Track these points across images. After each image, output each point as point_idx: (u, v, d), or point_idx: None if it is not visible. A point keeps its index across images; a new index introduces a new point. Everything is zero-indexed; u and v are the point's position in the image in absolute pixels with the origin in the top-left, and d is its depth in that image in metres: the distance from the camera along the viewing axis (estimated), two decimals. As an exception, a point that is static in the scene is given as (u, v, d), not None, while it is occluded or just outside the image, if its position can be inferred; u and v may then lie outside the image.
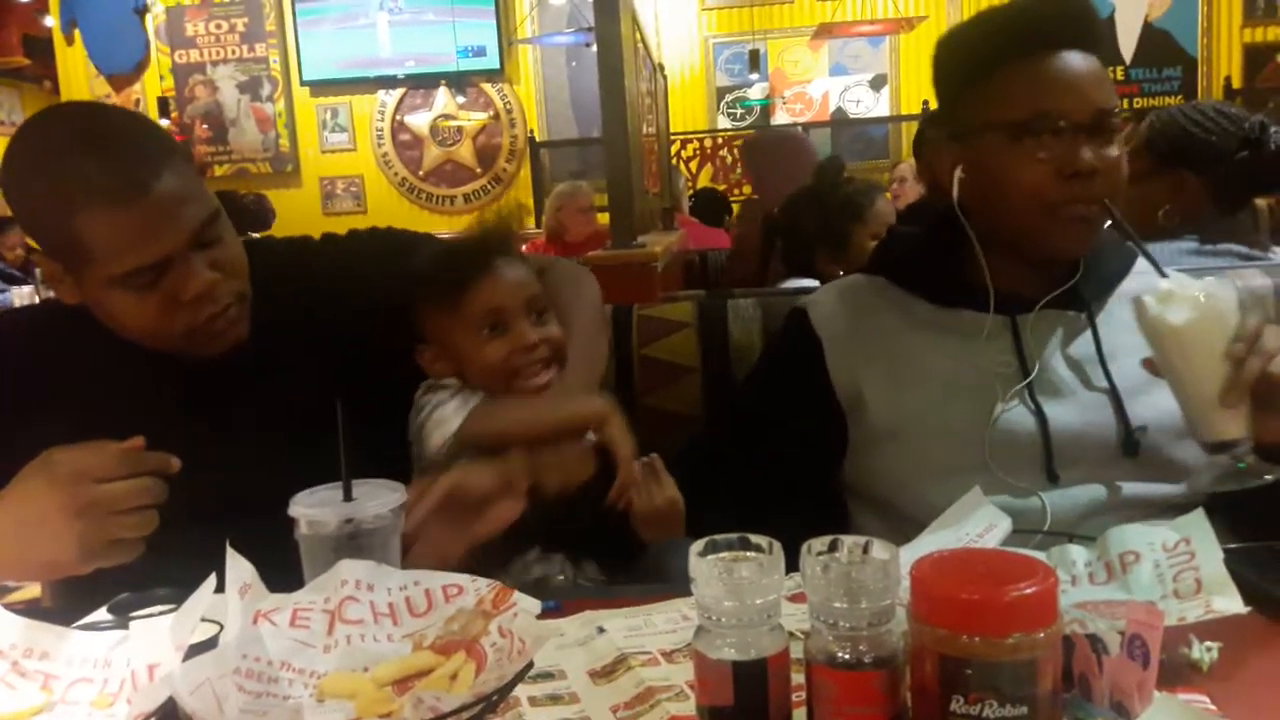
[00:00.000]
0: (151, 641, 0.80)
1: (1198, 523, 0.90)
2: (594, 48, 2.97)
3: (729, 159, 7.27)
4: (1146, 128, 1.96)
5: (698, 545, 0.67)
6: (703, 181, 7.07)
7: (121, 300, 1.13)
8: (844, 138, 7.75)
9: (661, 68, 6.16)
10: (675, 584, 0.95)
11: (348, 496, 0.90)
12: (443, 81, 7.93)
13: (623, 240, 2.80)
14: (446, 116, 8.04)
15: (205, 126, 8.05)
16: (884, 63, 7.78)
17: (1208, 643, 0.77)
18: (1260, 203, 2.03)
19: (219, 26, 7.98)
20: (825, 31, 7.07)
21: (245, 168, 8.05)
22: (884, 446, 1.25)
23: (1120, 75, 7.08)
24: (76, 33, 8.00)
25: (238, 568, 0.79)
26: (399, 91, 8.01)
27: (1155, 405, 1.18)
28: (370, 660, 0.81)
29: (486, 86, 7.97)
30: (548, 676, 0.82)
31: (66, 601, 1.19)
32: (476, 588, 0.85)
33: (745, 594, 0.64)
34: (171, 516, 0.99)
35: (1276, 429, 1.03)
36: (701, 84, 7.92)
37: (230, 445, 1.17)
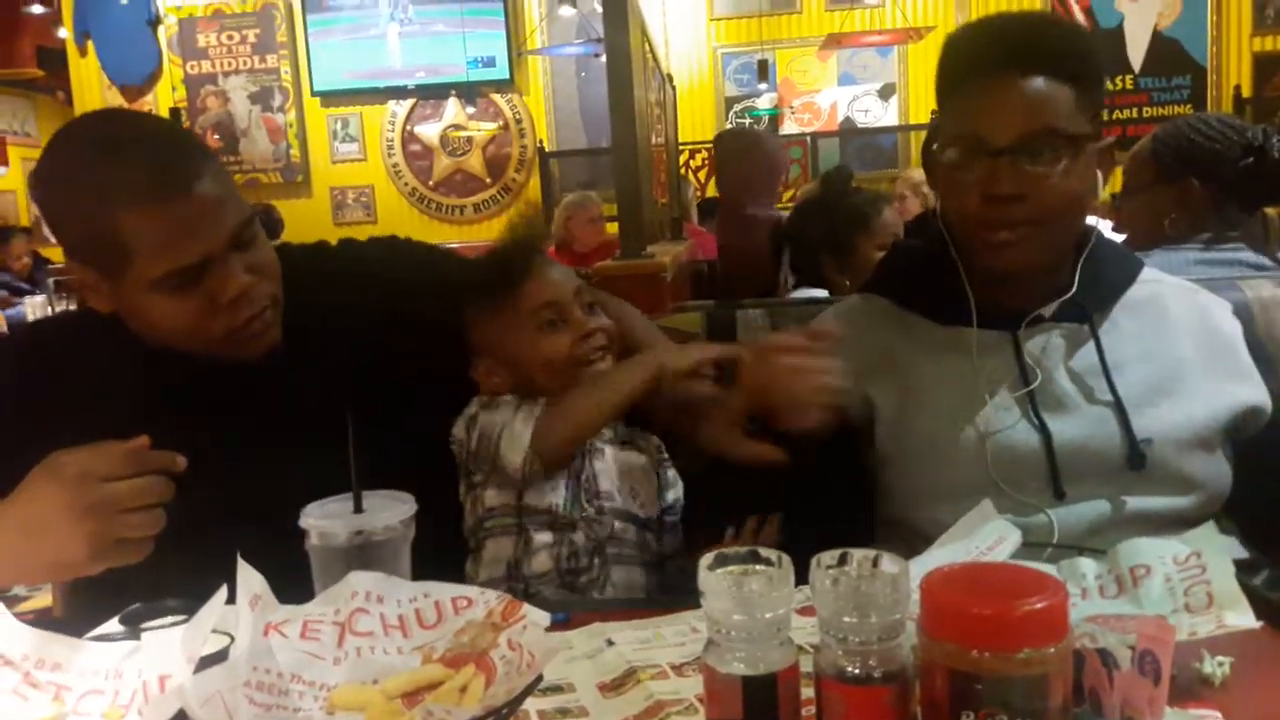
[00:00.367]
0: (163, 653, 0.80)
1: (1209, 536, 0.89)
2: (603, 58, 2.98)
3: (737, 169, 7.26)
4: (1151, 139, 1.98)
5: (707, 559, 0.67)
6: (711, 191, 7.06)
7: (160, 303, 1.13)
8: (853, 147, 7.75)
9: (670, 78, 6.17)
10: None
11: (358, 508, 0.90)
12: (453, 92, 7.96)
13: (632, 250, 2.81)
14: (456, 127, 8.07)
15: (216, 137, 8.09)
16: (892, 72, 7.78)
17: (1219, 657, 0.77)
18: (1270, 211, 2.03)
19: (230, 38, 8.03)
20: (834, 42, 7.08)
21: (256, 178, 8.09)
22: (892, 467, 1.25)
23: (1129, 84, 7.07)
24: (90, 44, 8.06)
25: (248, 579, 0.79)
26: (409, 102, 8.05)
27: (1161, 417, 1.18)
28: (380, 673, 0.81)
29: (496, 97, 8.00)
30: (557, 689, 0.82)
31: (78, 612, 1.19)
32: (486, 600, 0.85)
33: (755, 608, 0.64)
34: (192, 522, 1.00)
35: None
36: (710, 94, 7.93)
37: (255, 452, 1.17)
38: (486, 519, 1.24)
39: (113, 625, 0.93)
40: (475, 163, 8.09)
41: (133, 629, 0.89)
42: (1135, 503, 1.16)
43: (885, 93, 7.86)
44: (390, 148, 8.11)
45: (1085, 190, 1.17)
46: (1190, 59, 7.07)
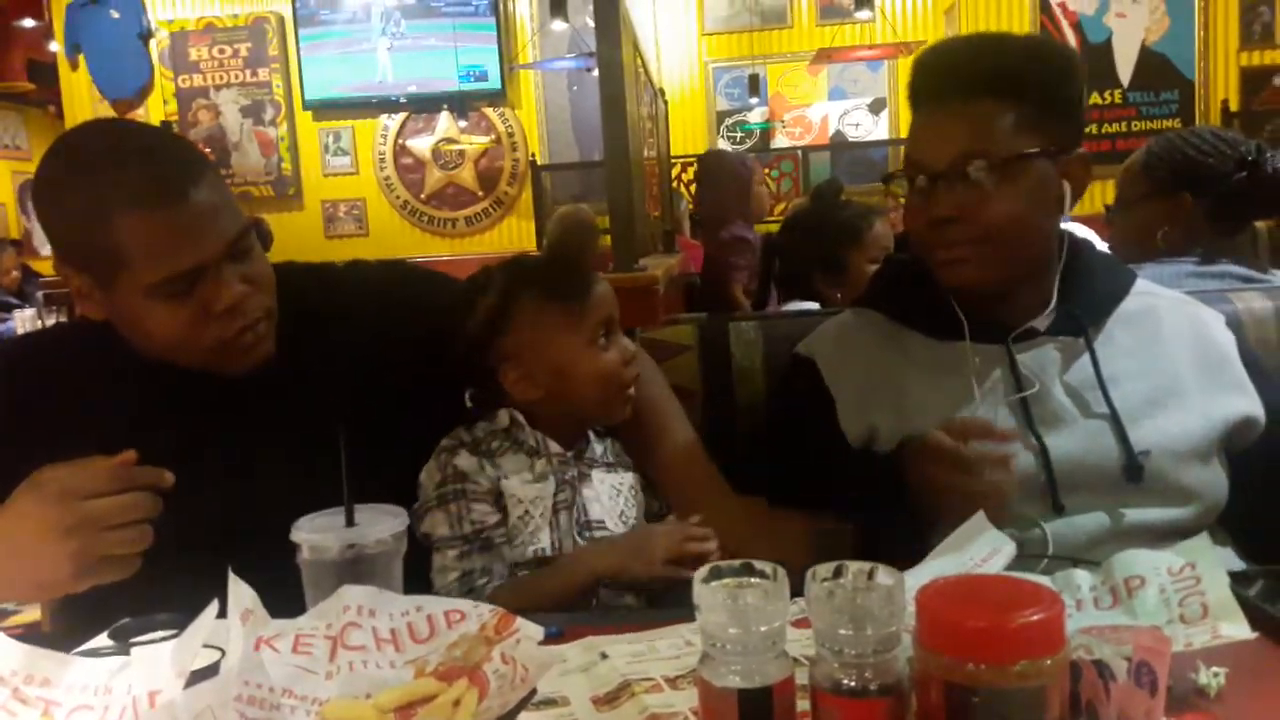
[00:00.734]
0: (153, 668, 0.79)
1: (1203, 547, 0.90)
2: (595, 72, 2.99)
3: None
4: (1144, 152, 1.98)
5: (702, 572, 0.66)
6: (701, 204, 7.10)
7: (153, 311, 1.13)
8: (843, 161, 7.78)
9: (662, 92, 6.20)
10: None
11: (350, 522, 0.90)
12: (445, 105, 7.97)
13: (624, 263, 2.82)
14: (448, 140, 8.07)
15: (208, 150, 8.08)
16: (883, 87, 7.82)
17: (1214, 668, 0.76)
18: (1260, 225, 2.04)
19: (222, 51, 8.03)
20: (824, 56, 7.12)
21: (248, 191, 8.08)
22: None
23: (1118, 98, 7.12)
24: (81, 58, 8.05)
25: (239, 593, 0.79)
26: (401, 115, 8.06)
27: (1157, 429, 1.18)
28: (372, 687, 0.80)
29: (488, 110, 8.01)
30: (550, 703, 0.82)
31: (67, 627, 1.18)
32: (479, 613, 0.85)
33: (750, 621, 0.64)
34: (183, 536, 0.99)
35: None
36: (701, 108, 7.96)
37: (248, 466, 1.17)
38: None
39: (102, 640, 0.92)
40: (467, 176, 8.10)
41: (122, 644, 0.88)
42: (1133, 515, 1.16)
43: (876, 107, 7.90)
44: (382, 161, 8.12)
45: (1031, 207, 1.18)
46: (1178, 73, 7.12)
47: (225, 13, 8.02)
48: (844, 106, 7.93)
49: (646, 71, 4.54)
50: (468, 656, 0.81)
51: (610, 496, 1.26)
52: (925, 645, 0.61)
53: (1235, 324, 1.33)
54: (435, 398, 1.28)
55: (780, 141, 7.94)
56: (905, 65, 7.53)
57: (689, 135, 7.78)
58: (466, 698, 0.76)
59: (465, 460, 1.21)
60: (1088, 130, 1.28)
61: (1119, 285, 1.30)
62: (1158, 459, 1.17)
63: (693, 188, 7.25)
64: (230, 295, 1.13)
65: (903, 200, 1.26)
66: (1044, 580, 0.94)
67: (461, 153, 8.07)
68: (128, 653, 0.84)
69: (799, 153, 7.68)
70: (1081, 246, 1.30)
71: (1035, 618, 0.59)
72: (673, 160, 6.65)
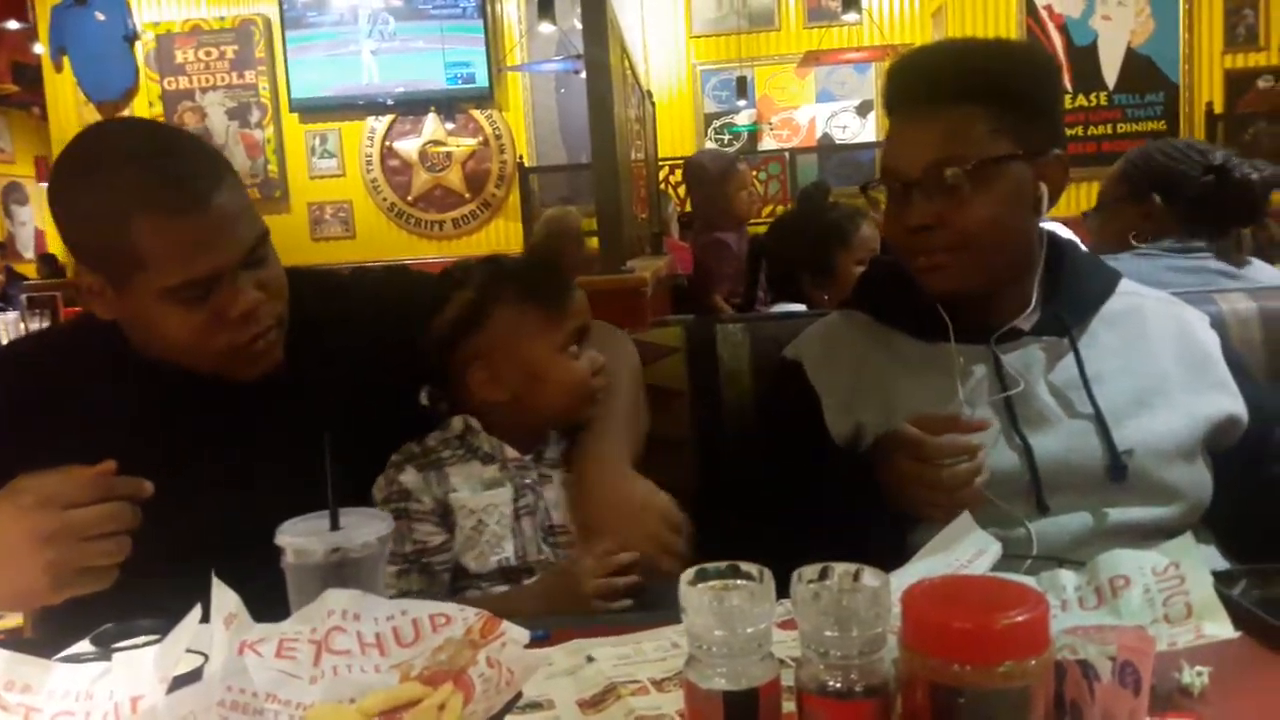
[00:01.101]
0: (135, 673, 0.79)
1: (1187, 547, 0.90)
2: (583, 75, 2.99)
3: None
4: (1123, 160, 2.11)
5: (688, 574, 0.66)
6: (690, 206, 7.11)
7: (167, 314, 1.12)
8: (831, 163, 7.80)
9: (650, 94, 6.20)
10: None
11: (335, 525, 0.89)
12: (432, 108, 7.96)
13: (612, 265, 2.82)
14: (435, 142, 8.06)
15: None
16: (870, 89, 7.85)
17: (1198, 667, 0.77)
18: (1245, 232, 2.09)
19: (208, 54, 8.00)
20: (812, 59, 7.14)
21: (234, 194, 8.05)
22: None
23: (1104, 101, 7.16)
24: (66, 60, 8.01)
25: (223, 598, 0.78)
26: (388, 117, 8.04)
27: (1141, 428, 1.18)
28: (357, 691, 0.80)
29: (476, 113, 8.01)
30: (536, 707, 0.82)
31: (49, 632, 1.17)
32: (464, 617, 0.84)
33: (736, 623, 0.64)
34: (166, 541, 0.98)
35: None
36: (689, 110, 7.97)
37: (239, 471, 1.16)
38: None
39: (84, 645, 0.92)
40: (454, 178, 8.09)
41: (104, 649, 0.88)
42: (1117, 514, 1.17)
43: (863, 109, 7.92)
44: (369, 163, 8.10)
45: (1008, 211, 1.19)
46: (1163, 76, 7.17)
47: (211, 15, 7.99)
48: (831, 109, 7.95)
49: (634, 73, 4.54)
50: (453, 660, 0.80)
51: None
52: (911, 646, 0.61)
53: (1219, 324, 1.33)
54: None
55: (768, 143, 7.96)
56: (892, 68, 7.55)
57: (677, 137, 7.79)
58: (452, 702, 0.76)
59: (410, 477, 1.19)
60: (1073, 132, 1.30)
61: (1103, 285, 1.30)
62: (1141, 458, 1.17)
63: (681, 190, 7.28)
64: (245, 302, 1.13)
65: (884, 206, 1.27)
66: (1029, 580, 0.94)
67: (449, 155, 8.06)
68: (110, 658, 0.83)
69: (786, 155, 7.69)
70: (1064, 247, 1.31)
71: (1020, 618, 0.59)
72: (660, 162, 6.65)
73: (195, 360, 1.16)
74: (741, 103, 7.74)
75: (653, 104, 6.34)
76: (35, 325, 5.56)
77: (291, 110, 8.00)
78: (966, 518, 1.04)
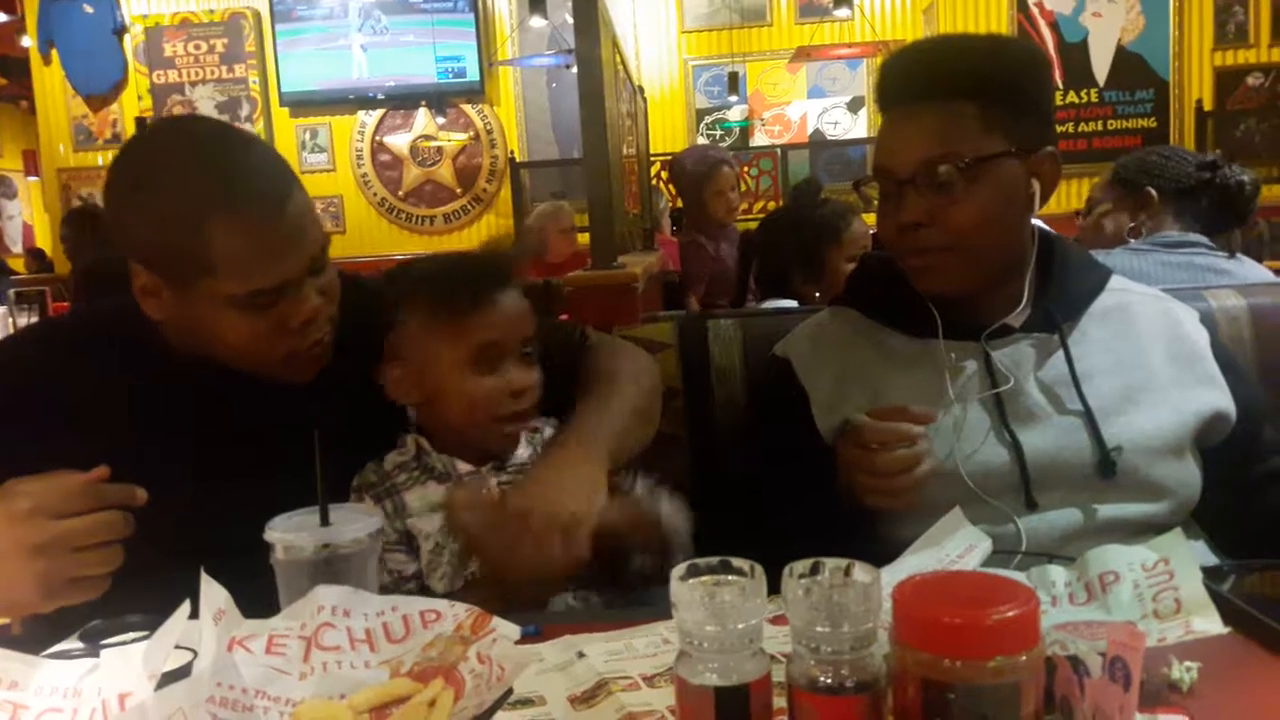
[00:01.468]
0: (123, 670, 0.78)
1: (1176, 542, 0.90)
2: (574, 69, 2.98)
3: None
4: (1115, 166, 2.17)
5: (679, 569, 0.66)
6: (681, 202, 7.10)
7: (230, 320, 1.11)
8: (822, 159, 7.81)
9: (641, 89, 6.19)
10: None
11: (324, 521, 0.89)
12: (423, 102, 7.94)
13: (603, 261, 2.81)
14: (426, 137, 8.04)
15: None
16: (861, 85, 7.85)
17: (1187, 663, 0.77)
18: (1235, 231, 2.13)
19: (198, 47, 7.96)
20: (803, 55, 7.14)
21: (223, 188, 8.01)
22: None
23: (1094, 97, 7.17)
24: (54, 53, 7.97)
25: (212, 594, 0.78)
26: (379, 112, 8.01)
27: (1130, 425, 1.19)
28: (347, 688, 0.80)
29: (467, 107, 7.99)
30: (527, 703, 0.81)
31: (36, 629, 1.17)
32: (455, 613, 0.84)
33: (727, 618, 0.63)
34: (157, 537, 0.97)
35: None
36: (681, 105, 7.96)
37: (227, 467, 1.14)
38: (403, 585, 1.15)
39: (72, 642, 0.91)
40: (445, 173, 8.07)
41: (92, 646, 0.87)
42: (1107, 510, 1.17)
43: (854, 105, 7.92)
44: (359, 158, 8.07)
45: (1001, 208, 1.19)
46: (1153, 73, 7.19)
47: (201, 8, 7.95)
48: (823, 105, 7.95)
49: (626, 69, 4.53)
50: (443, 656, 0.80)
51: None
52: (902, 641, 0.61)
53: (1209, 321, 1.34)
54: None
55: (759, 139, 7.96)
56: (883, 64, 7.57)
57: (669, 133, 7.78)
58: (442, 698, 0.76)
59: (369, 509, 1.16)
60: (1064, 129, 1.30)
61: (1093, 281, 1.30)
62: (1131, 454, 1.17)
63: (672, 186, 7.28)
64: (310, 310, 1.13)
65: (876, 203, 1.27)
66: (1019, 577, 0.94)
67: (439, 149, 8.04)
68: (98, 654, 0.83)
69: (778, 151, 7.69)
70: (1054, 243, 1.31)
71: (1011, 613, 0.59)
72: (652, 158, 6.65)
73: (249, 363, 1.15)
74: (733, 98, 7.74)
75: (644, 99, 6.33)
76: (23, 320, 5.52)
77: (281, 104, 7.96)
78: (957, 513, 1.04)
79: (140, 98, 8.01)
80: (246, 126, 7.95)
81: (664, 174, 7.08)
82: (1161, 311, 1.30)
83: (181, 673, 0.78)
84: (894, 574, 0.82)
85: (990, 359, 1.22)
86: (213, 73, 7.98)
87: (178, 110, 7.98)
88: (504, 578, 1.07)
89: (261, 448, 1.13)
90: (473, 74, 7.80)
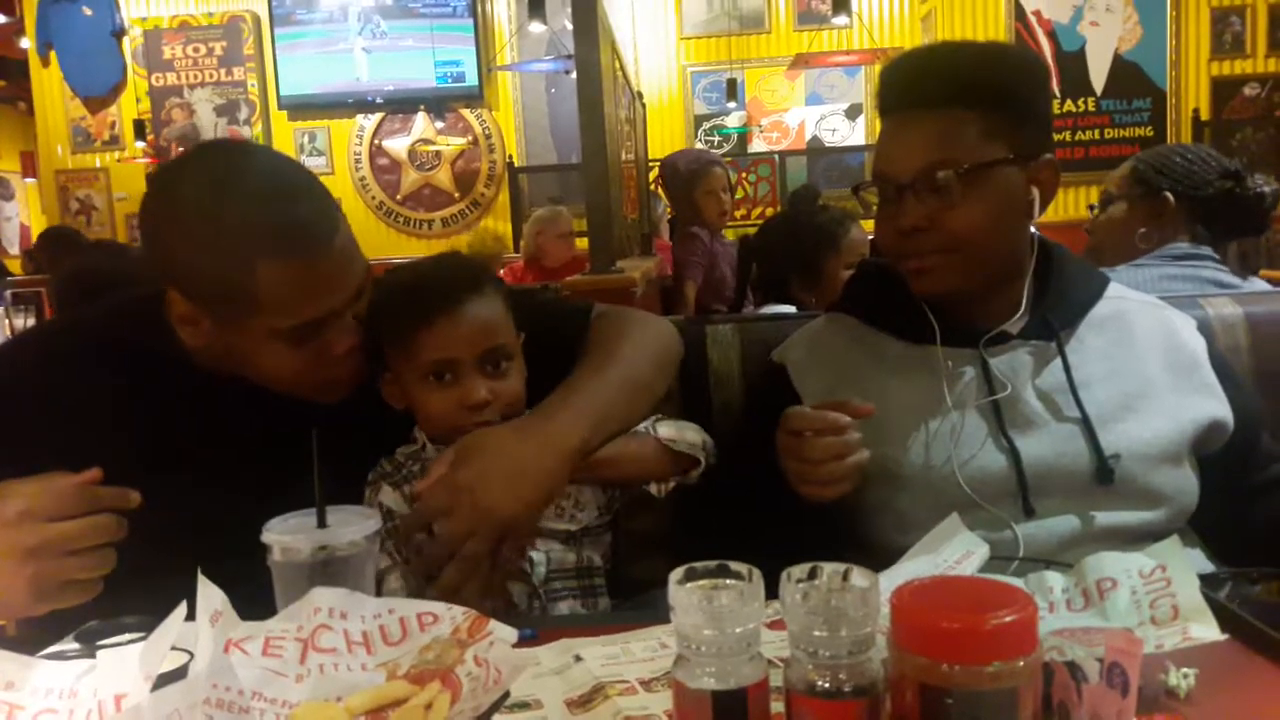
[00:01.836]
0: (119, 671, 0.78)
1: (1173, 549, 0.90)
2: (573, 75, 2.98)
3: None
4: (1134, 157, 2.07)
5: (677, 573, 0.66)
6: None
7: (272, 352, 1.11)
8: (820, 166, 7.82)
9: (640, 95, 6.20)
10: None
11: (322, 523, 0.89)
12: (421, 107, 7.94)
13: (601, 265, 2.81)
14: (425, 141, 8.04)
15: (181, 149, 7.99)
16: (859, 92, 7.87)
17: (1184, 669, 0.77)
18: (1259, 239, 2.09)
19: (197, 50, 7.97)
20: (801, 62, 7.14)
21: (221, 191, 8.00)
22: (863, 490, 1.21)
23: (1091, 106, 7.19)
24: (53, 55, 7.96)
25: (209, 595, 0.78)
26: (377, 116, 8.02)
27: (1128, 433, 1.19)
28: (343, 690, 0.79)
29: (465, 112, 8.00)
30: (524, 706, 0.81)
31: (32, 629, 1.16)
32: (452, 616, 0.84)
33: (725, 622, 0.63)
34: (152, 539, 0.97)
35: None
36: (680, 111, 7.97)
37: (227, 470, 1.14)
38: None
39: (68, 643, 0.91)
40: (444, 177, 8.07)
41: (88, 646, 0.87)
42: (1104, 518, 1.17)
43: (852, 112, 7.94)
44: (358, 161, 8.07)
45: (1000, 214, 1.19)
46: (1150, 82, 7.20)
47: (200, 11, 7.96)
48: (821, 111, 7.97)
49: (625, 74, 4.54)
50: (440, 659, 0.80)
51: None
52: (900, 646, 0.61)
53: (1205, 330, 1.34)
54: None
55: (758, 146, 7.97)
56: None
57: (667, 138, 7.79)
58: (439, 701, 0.76)
59: (388, 496, 1.19)
60: (1061, 137, 1.30)
61: (1091, 289, 1.30)
62: (1128, 462, 1.17)
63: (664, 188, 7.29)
64: (351, 339, 1.14)
65: (875, 208, 1.27)
66: (1017, 583, 0.94)
67: (438, 154, 8.04)
68: (94, 655, 0.83)
69: (776, 157, 7.71)
70: (1053, 251, 1.31)
71: (1009, 619, 0.59)
72: (651, 163, 6.65)
73: (284, 387, 1.16)
74: (731, 105, 7.75)
75: (643, 105, 6.34)
76: (20, 322, 5.51)
77: (280, 108, 7.97)
78: (954, 519, 1.04)
79: (139, 100, 8.01)
80: (245, 130, 7.96)
81: (659, 177, 7.11)
82: (1159, 319, 1.30)
83: (178, 674, 0.78)
84: (891, 579, 0.82)
85: (988, 366, 1.22)
86: (211, 75, 7.99)
87: (177, 113, 7.98)
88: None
89: (260, 449, 1.13)
90: (471, 79, 7.81)
